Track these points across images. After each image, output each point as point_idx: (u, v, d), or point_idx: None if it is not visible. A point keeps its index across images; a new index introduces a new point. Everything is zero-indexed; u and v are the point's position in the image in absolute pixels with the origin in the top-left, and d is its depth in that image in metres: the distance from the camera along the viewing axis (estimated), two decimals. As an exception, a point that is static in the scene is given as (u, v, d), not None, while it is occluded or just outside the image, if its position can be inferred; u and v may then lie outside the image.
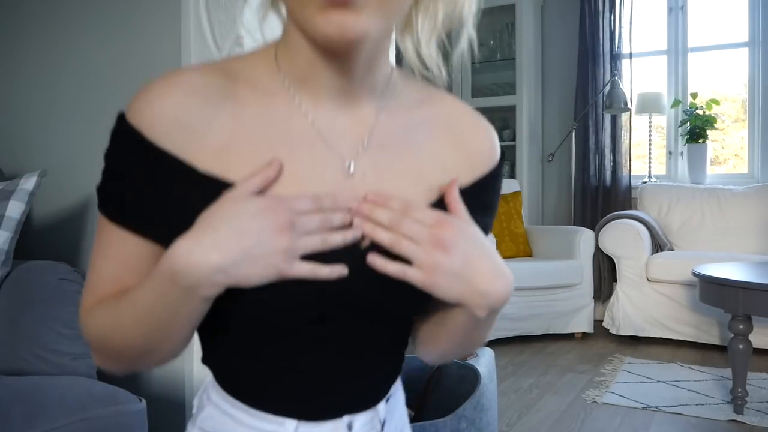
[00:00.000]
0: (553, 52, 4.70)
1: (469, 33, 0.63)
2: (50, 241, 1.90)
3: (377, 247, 0.57)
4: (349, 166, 0.58)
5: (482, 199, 0.66)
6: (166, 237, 0.54)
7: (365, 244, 0.57)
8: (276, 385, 0.61)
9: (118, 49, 1.78)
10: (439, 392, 1.30)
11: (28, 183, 1.61)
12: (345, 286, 0.57)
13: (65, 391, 1.32)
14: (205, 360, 0.65)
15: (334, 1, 0.49)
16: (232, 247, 0.51)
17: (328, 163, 0.58)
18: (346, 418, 0.63)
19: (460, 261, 0.56)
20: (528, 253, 4.00)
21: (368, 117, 0.61)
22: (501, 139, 4.72)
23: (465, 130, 0.65)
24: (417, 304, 0.62)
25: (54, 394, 1.30)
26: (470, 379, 1.24)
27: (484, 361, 1.29)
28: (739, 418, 2.37)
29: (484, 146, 0.66)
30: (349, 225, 0.56)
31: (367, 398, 0.65)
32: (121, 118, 0.58)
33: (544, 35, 4.72)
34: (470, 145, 0.65)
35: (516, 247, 3.94)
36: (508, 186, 4.21)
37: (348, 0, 0.49)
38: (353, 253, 0.56)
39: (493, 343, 3.48)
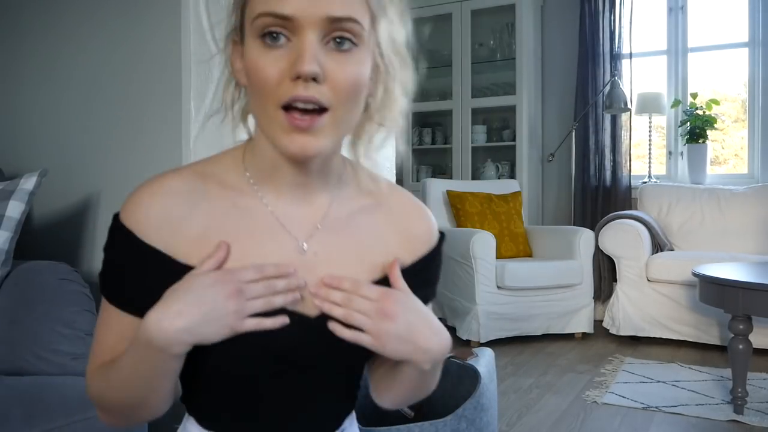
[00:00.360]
0: (553, 52, 4.70)
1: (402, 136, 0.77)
2: (50, 241, 1.90)
3: (327, 316, 0.69)
4: (303, 247, 0.71)
5: (423, 276, 0.78)
6: None
7: (315, 314, 0.70)
8: (239, 420, 0.74)
9: (118, 50, 1.78)
10: (439, 392, 1.30)
11: (28, 183, 1.61)
12: (296, 349, 0.69)
13: (65, 391, 1.32)
14: (183, 399, 0.77)
15: (297, 128, 0.63)
16: (193, 312, 0.63)
17: (285, 245, 0.71)
18: None
19: (404, 326, 0.68)
20: (528, 253, 4.00)
21: (322, 206, 0.74)
22: (501, 139, 4.73)
23: (405, 217, 0.78)
24: (358, 361, 0.76)
25: (54, 394, 1.30)
26: (470, 379, 1.24)
27: (484, 361, 1.29)
28: (739, 418, 2.37)
29: (422, 230, 0.79)
30: (295, 290, 0.69)
31: (321, 427, 0.77)
32: (116, 218, 0.70)
33: (544, 35, 4.71)
34: (410, 230, 0.78)
35: (516, 247, 3.94)
36: (508, 186, 4.20)
37: (308, 128, 0.64)
38: (303, 320, 0.69)
39: (493, 343, 3.47)
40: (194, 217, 0.69)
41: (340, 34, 0.64)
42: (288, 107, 0.63)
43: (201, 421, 0.76)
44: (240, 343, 0.66)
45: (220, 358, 0.68)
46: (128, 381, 0.68)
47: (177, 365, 0.66)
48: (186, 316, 0.62)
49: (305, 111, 0.64)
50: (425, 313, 0.71)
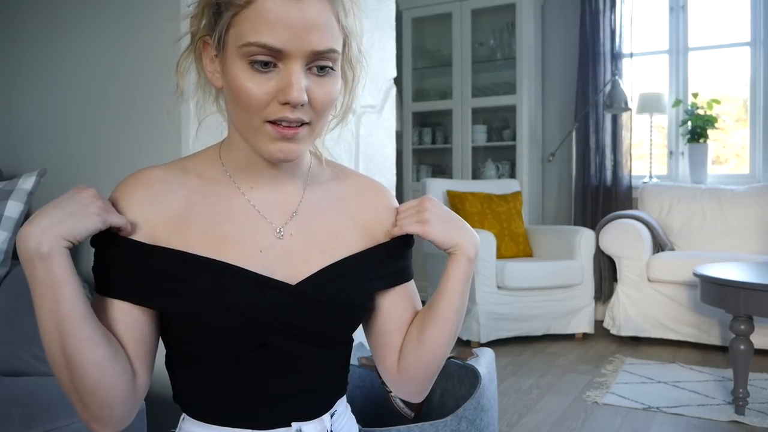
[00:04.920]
0: (554, 52, 4.70)
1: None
2: (49, 241, 1.90)
3: (307, 283, 0.76)
4: (280, 231, 0.78)
5: (398, 243, 0.85)
6: (148, 301, 0.73)
7: (294, 282, 0.76)
8: (232, 403, 0.76)
9: (116, 47, 1.77)
10: (439, 392, 1.30)
11: (27, 182, 1.61)
12: (281, 317, 0.74)
13: (64, 392, 1.31)
14: (175, 398, 0.80)
15: (283, 137, 0.72)
16: (55, 212, 0.68)
17: (263, 229, 0.78)
18: (295, 426, 0.78)
19: (442, 212, 0.81)
20: (528, 253, 3.99)
21: (295, 194, 0.82)
22: (501, 138, 4.73)
23: (370, 195, 0.87)
24: (339, 330, 0.80)
25: (53, 394, 1.30)
26: (470, 379, 1.24)
27: (485, 362, 1.28)
28: (740, 418, 2.37)
29: (386, 205, 0.87)
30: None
31: (312, 409, 0.79)
32: None
33: (544, 34, 4.71)
34: (376, 206, 0.86)
35: (516, 247, 3.94)
36: (508, 186, 4.20)
37: (293, 137, 0.72)
38: (288, 289, 0.75)
39: (493, 344, 3.47)
40: (174, 200, 0.76)
41: (322, 63, 0.72)
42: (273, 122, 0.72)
43: (195, 416, 0.78)
44: (224, 313, 0.71)
45: (207, 332, 0.72)
46: (48, 328, 0.68)
47: (61, 278, 0.67)
48: (48, 216, 0.67)
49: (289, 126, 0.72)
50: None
